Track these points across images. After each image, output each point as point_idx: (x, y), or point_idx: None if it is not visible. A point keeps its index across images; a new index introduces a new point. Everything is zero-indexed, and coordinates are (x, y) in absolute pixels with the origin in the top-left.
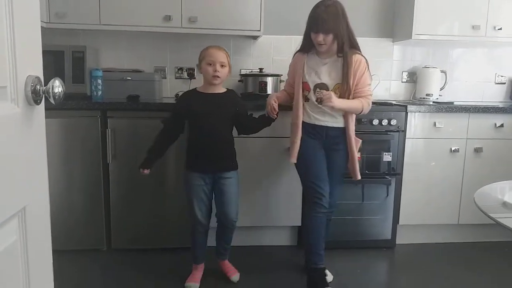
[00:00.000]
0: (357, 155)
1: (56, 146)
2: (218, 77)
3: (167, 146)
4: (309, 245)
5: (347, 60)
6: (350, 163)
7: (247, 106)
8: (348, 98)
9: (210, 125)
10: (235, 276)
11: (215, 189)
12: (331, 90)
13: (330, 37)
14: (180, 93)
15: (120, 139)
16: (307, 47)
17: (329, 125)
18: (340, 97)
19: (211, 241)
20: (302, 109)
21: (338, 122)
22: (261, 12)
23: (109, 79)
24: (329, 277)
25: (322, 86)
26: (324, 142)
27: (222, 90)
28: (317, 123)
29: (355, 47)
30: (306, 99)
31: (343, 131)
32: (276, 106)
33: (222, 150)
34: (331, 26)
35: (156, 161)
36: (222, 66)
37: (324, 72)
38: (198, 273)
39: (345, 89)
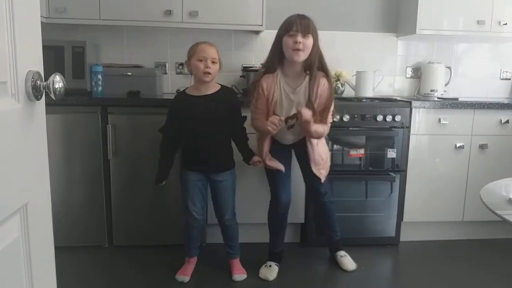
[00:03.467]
0: (316, 158)
1: (56, 142)
2: (209, 73)
3: (174, 154)
4: (270, 234)
5: (315, 80)
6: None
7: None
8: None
9: (205, 130)
10: (237, 276)
11: (211, 189)
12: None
13: (309, 40)
14: (181, 89)
15: (121, 135)
16: (274, 66)
17: (293, 142)
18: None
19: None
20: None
21: (301, 138)
22: (263, 7)
23: (109, 75)
24: (351, 266)
25: (293, 116)
26: (291, 146)
27: (215, 88)
28: (283, 142)
29: (324, 68)
30: None
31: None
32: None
33: (218, 153)
34: (311, 28)
35: (169, 170)
36: (213, 62)
37: (293, 104)
38: (190, 266)
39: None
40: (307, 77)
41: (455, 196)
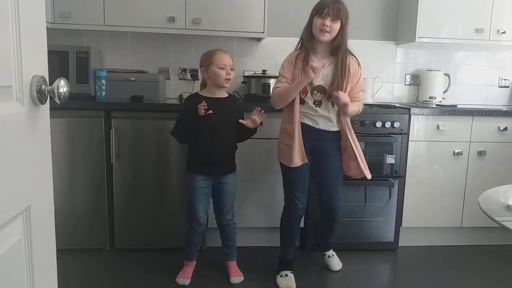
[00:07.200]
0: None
1: (60, 146)
2: (230, 79)
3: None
4: (284, 241)
5: (343, 62)
6: (355, 164)
7: (250, 107)
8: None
9: (216, 130)
10: (234, 278)
11: (215, 190)
12: (328, 93)
13: (337, 25)
14: (184, 94)
15: (124, 140)
16: (306, 43)
17: (322, 128)
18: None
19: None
20: (299, 112)
21: (333, 126)
22: (265, 14)
23: (113, 80)
24: (338, 266)
25: (320, 89)
26: (313, 147)
27: (225, 94)
28: (312, 124)
29: (349, 51)
30: (301, 101)
31: (335, 135)
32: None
33: (226, 155)
34: (342, 13)
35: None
36: (231, 69)
37: (322, 74)
38: (189, 269)
39: (346, 88)
40: (334, 58)
41: (453, 202)
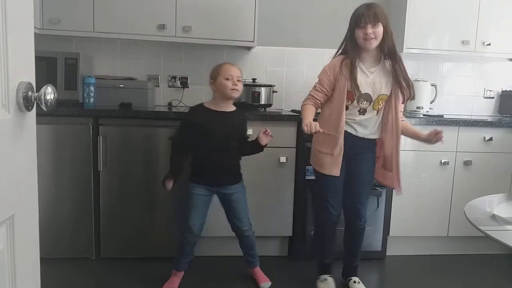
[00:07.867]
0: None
1: (46, 152)
2: (237, 90)
3: (183, 161)
4: (321, 244)
5: (398, 63)
6: (390, 175)
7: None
8: (396, 104)
9: (221, 144)
10: (263, 284)
11: (224, 203)
12: (374, 101)
13: (379, 28)
14: (174, 102)
15: (112, 147)
16: (352, 54)
17: (359, 136)
18: (384, 106)
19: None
20: (344, 119)
21: (371, 134)
22: (255, 23)
23: (102, 87)
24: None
25: (366, 97)
26: (349, 154)
27: (231, 108)
28: (350, 131)
29: (396, 52)
30: (346, 107)
31: (371, 142)
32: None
33: (230, 167)
34: (380, 16)
35: (179, 175)
36: (238, 81)
37: (369, 82)
38: (177, 279)
39: (396, 96)
40: (384, 61)
41: (440, 211)
